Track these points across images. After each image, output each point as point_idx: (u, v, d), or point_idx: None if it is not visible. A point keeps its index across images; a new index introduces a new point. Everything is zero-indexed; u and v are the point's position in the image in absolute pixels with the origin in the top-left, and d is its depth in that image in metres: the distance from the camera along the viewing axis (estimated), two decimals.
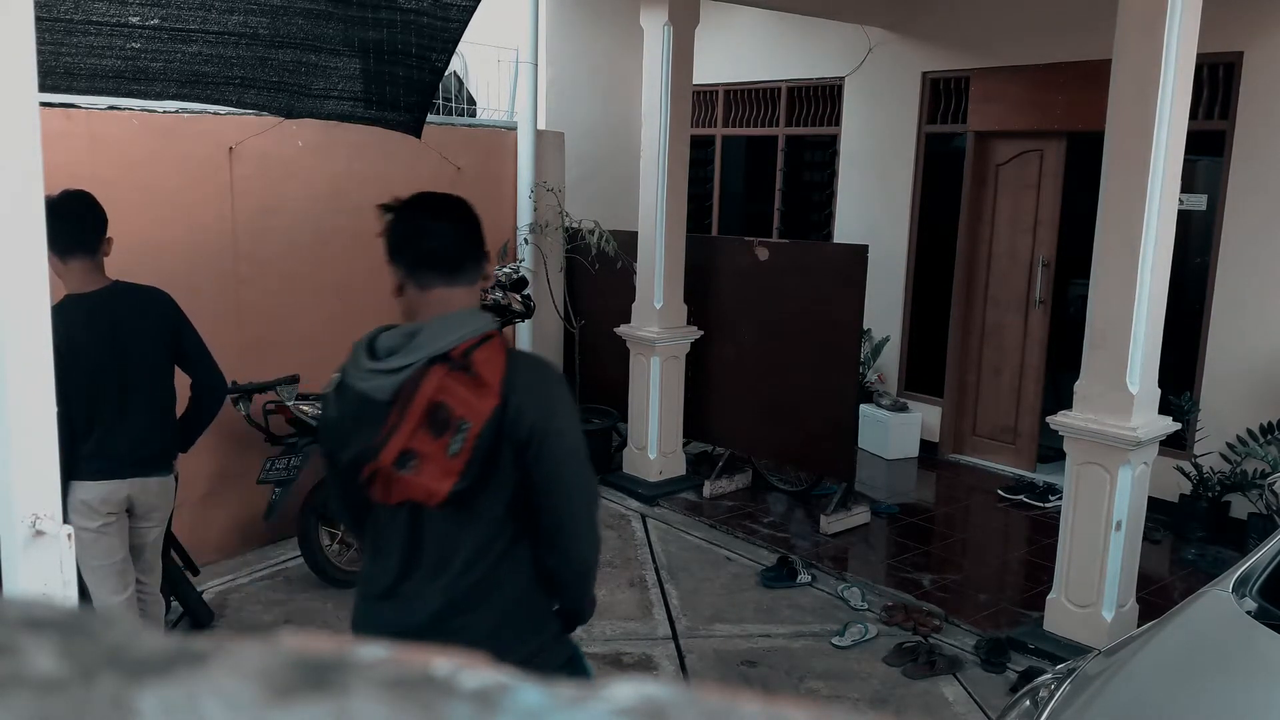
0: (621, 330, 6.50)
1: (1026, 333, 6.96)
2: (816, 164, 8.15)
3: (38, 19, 1.59)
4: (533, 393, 1.99)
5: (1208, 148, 5.91)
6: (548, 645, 2.14)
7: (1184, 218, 4.83)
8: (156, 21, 3.03)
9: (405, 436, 1.93)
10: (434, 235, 2.03)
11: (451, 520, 2.01)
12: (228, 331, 5.04)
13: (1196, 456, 5.96)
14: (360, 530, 2.20)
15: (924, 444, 7.34)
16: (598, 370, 6.99)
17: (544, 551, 2.09)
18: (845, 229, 7.70)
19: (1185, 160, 4.22)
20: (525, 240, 6.58)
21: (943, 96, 7.21)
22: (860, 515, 5.99)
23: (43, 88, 1.70)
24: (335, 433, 2.08)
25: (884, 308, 7.31)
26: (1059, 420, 4.33)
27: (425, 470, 1.93)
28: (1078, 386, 4.30)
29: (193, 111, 4.87)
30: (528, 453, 1.97)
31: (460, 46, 3.39)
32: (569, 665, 2.19)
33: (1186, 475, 5.87)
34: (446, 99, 6.44)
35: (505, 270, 5.88)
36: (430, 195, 2.14)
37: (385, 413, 1.95)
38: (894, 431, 7.22)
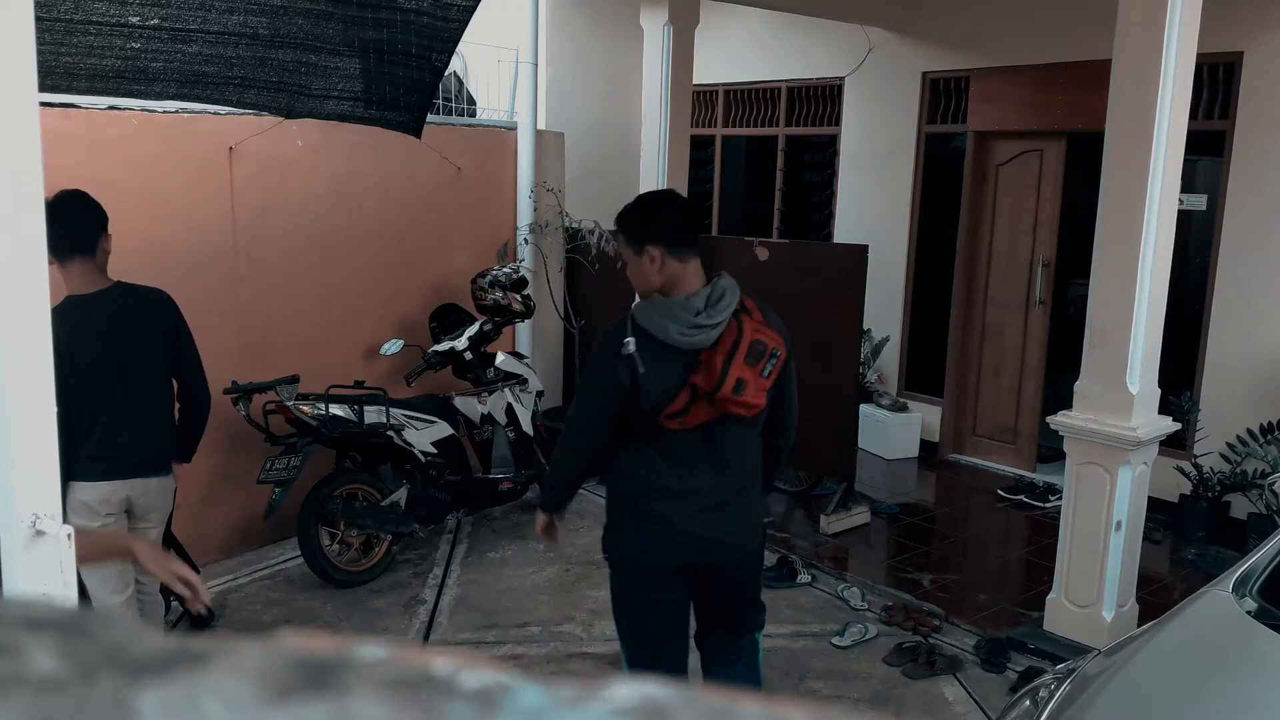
0: None
1: (1026, 333, 6.95)
2: (816, 164, 8.15)
3: (38, 19, 1.59)
4: (782, 328, 2.83)
5: (1208, 148, 5.91)
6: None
7: (1184, 218, 4.83)
8: (156, 21, 3.02)
9: (738, 369, 2.63)
10: (680, 217, 2.74)
11: (738, 429, 2.77)
12: (228, 331, 5.04)
13: (1196, 456, 5.95)
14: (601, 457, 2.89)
15: (924, 444, 7.34)
16: None
17: (776, 438, 2.99)
18: (845, 229, 7.70)
19: (1185, 160, 4.22)
20: (525, 240, 6.58)
21: (943, 96, 7.21)
22: (860, 515, 5.98)
23: (43, 88, 1.70)
24: (644, 383, 2.64)
25: (884, 308, 7.31)
26: (1059, 420, 4.33)
27: (750, 392, 2.66)
28: (1078, 386, 4.30)
29: (193, 111, 4.87)
30: (785, 368, 2.81)
31: (460, 46, 3.38)
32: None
33: (1186, 475, 5.87)
34: (446, 99, 6.44)
35: (505, 270, 5.88)
36: (661, 191, 3.08)
37: (693, 358, 2.64)
38: (894, 431, 7.22)
